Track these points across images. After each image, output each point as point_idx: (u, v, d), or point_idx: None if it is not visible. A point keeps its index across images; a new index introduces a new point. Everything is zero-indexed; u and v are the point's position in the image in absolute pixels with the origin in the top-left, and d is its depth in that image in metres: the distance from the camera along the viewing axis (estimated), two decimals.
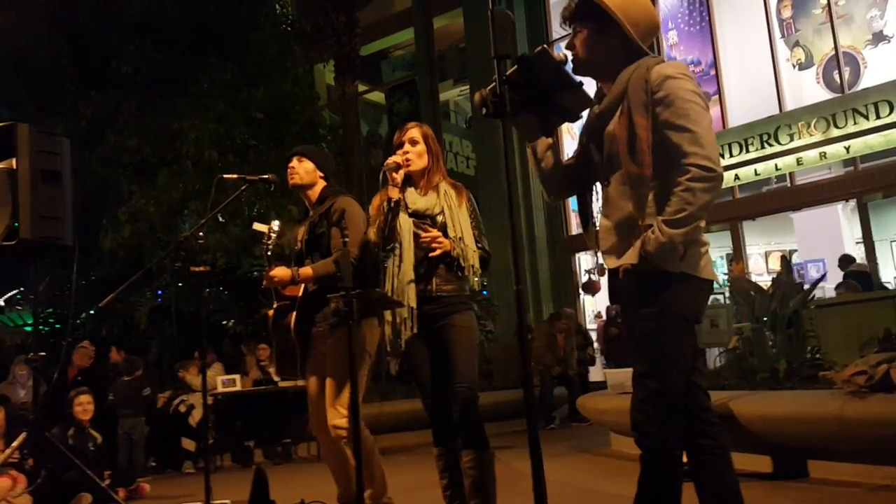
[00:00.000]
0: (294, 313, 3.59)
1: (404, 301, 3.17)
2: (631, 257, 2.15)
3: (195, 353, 8.70)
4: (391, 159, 3.26)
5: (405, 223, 3.23)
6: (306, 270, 3.52)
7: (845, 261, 10.56)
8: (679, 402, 2.17)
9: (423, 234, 3.19)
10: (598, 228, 2.34)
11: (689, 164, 2.08)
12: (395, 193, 3.20)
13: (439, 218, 3.25)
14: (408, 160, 3.28)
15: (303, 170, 3.73)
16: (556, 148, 2.42)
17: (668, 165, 2.13)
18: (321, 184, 3.77)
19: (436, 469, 3.25)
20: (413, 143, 3.32)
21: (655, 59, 2.24)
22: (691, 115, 2.11)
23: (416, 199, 3.28)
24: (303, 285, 3.58)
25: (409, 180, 3.31)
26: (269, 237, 3.51)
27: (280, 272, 3.48)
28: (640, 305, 2.17)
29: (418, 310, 3.17)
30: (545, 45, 2.07)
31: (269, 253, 3.48)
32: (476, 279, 3.26)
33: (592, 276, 13.61)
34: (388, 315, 3.23)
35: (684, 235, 2.08)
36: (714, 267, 2.31)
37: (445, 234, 3.22)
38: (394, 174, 3.21)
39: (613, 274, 2.26)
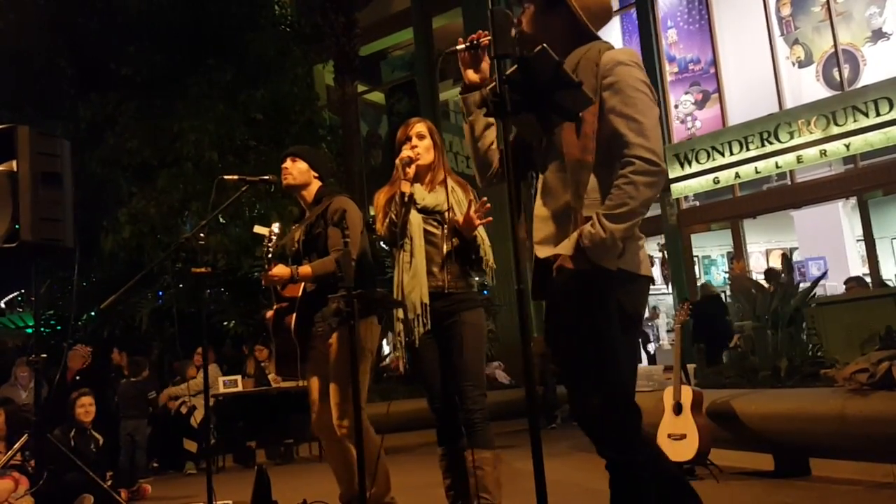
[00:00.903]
0: (294, 314, 3.60)
1: (416, 298, 3.14)
2: (567, 248, 2.03)
3: (197, 351, 8.71)
4: (404, 154, 3.24)
5: (415, 219, 3.21)
6: (305, 269, 3.53)
7: (702, 288, 11.20)
8: (634, 402, 2.06)
9: (468, 209, 3.13)
10: (528, 216, 2.22)
11: (633, 156, 1.99)
12: (407, 188, 3.18)
13: (448, 215, 3.23)
14: (418, 154, 3.26)
15: (296, 170, 3.74)
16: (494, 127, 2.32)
17: (610, 155, 2.04)
18: (316, 184, 3.78)
19: (438, 469, 3.24)
20: (420, 137, 3.30)
21: (607, 45, 2.16)
22: (639, 105, 2.03)
23: (424, 196, 3.26)
24: (302, 286, 3.59)
25: (415, 176, 3.28)
26: (270, 240, 3.51)
27: (279, 270, 3.49)
28: (578, 305, 2.04)
29: (429, 306, 3.15)
30: (544, 45, 2.05)
31: (269, 255, 3.48)
32: (488, 276, 3.26)
33: None
34: (398, 313, 3.21)
35: (625, 231, 1.98)
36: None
37: (455, 232, 3.21)
38: (407, 169, 3.19)
39: (542, 265, 2.12)
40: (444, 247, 3.22)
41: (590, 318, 2.04)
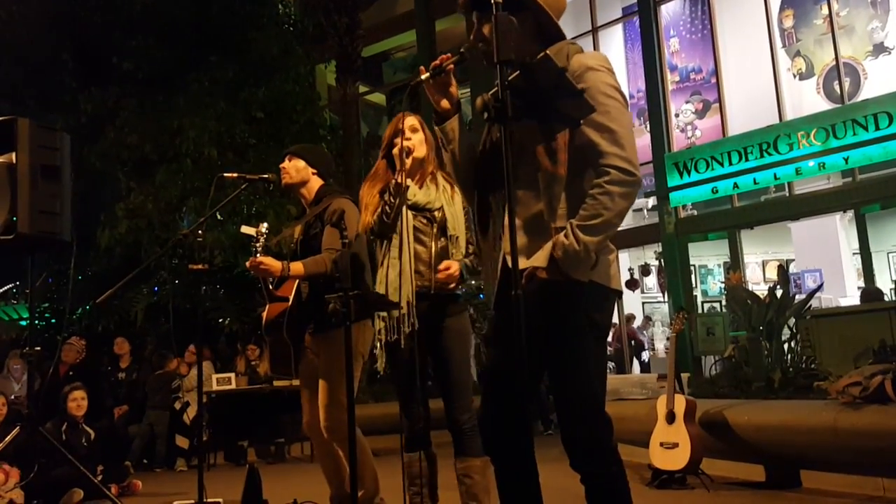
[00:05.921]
0: (287, 313, 3.57)
1: (402, 296, 3.07)
2: (540, 260, 1.98)
3: (189, 349, 8.70)
4: (404, 143, 3.12)
5: (403, 215, 3.12)
6: (297, 266, 3.45)
7: None
8: (605, 413, 2.03)
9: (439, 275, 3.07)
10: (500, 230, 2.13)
11: (608, 166, 1.93)
12: (403, 178, 3.07)
13: (437, 214, 3.17)
14: (413, 146, 3.18)
15: (293, 168, 3.71)
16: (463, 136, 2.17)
17: (583, 164, 1.99)
18: (316, 181, 3.74)
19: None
20: (413, 130, 3.24)
21: (576, 47, 2.08)
22: (612, 112, 1.96)
23: (415, 192, 3.18)
24: (295, 285, 3.56)
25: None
26: (258, 240, 3.47)
27: (269, 261, 3.42)
28: (548, 316, 1.98)
29: (414, 307, 3.07)
30: (547, 52, 2.05)
31: (257, 255, 3.44)
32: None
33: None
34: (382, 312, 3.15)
35: (598, 243, 1.93)
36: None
37: (444, 232, 3.16)
38: (406, 159, 3.09)
39: (508, 275, 2.02)
40: (434, 246, 3.15)
41: (559, 330, 2.00)
